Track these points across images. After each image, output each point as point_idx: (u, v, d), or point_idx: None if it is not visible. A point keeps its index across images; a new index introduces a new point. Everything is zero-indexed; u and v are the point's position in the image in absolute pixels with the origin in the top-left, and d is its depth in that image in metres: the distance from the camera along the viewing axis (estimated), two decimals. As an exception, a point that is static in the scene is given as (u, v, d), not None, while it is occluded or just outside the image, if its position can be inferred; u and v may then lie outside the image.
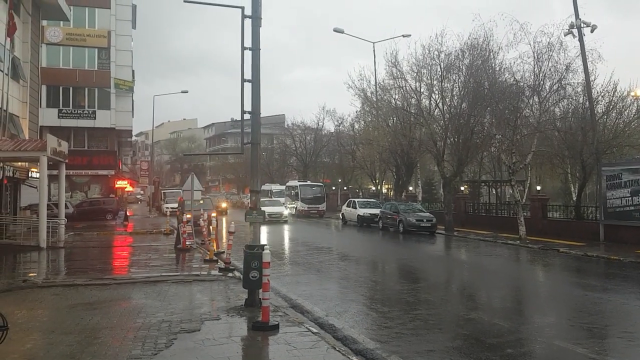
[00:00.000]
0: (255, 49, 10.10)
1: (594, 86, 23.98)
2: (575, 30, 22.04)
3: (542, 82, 23.27)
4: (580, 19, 21.94)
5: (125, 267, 15.88)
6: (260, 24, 10.14)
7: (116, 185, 44.01)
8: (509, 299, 12.19)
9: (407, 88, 30.88)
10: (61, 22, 37.18)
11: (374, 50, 42.41)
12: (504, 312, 10.34)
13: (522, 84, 24.12)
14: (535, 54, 23.01)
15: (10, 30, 21.16)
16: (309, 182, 46.53)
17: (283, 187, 48.04)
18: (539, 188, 40.26)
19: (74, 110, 40.46)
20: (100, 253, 19.29)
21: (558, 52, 22.84)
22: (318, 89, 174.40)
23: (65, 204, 25.29)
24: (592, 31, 22.20)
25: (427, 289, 12.67)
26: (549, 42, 22.75)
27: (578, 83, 24.18)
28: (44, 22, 34.02)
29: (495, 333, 8.45)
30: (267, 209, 31.19)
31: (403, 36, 35.13)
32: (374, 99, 36.49)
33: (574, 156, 25.15)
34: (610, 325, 9.36)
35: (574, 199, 27.86)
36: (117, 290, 11.35)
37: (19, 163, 23.49)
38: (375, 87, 36.33)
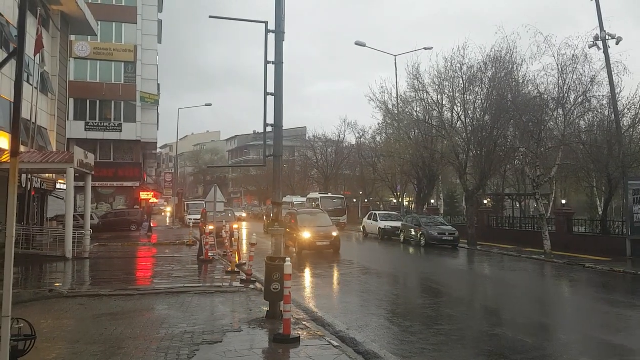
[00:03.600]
0: (279, 63, 10.25)
1: (620, 99, 23.61)
2: (600, 43, 21.80)
3: (566, 95, 22.98)
4: (605, 31, 21.70)
5: (148, 278, 16.04)
6: (284, 38, 10.30)
7: (141, 197, 44.62)
8: (533, 314, 11.97)
9: (429, 100, 30.81)
10: (89, 37, 38.19)
11: (395, 63, 42.17)
12: (529, 328, 10.16)
13: (546, 96, 23.86)
14: (559, 67, 22.76)
15: (37, 46, 21.66)
16: (330, 194, 46.48)
17: (304, 199, 48.13)
18: (564, 202, 39.64)
19: (101, 123, 41.33)
20: (125, 264, 19.56)
21: (583, 65, 22.56)
22: (339, 101, 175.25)
23: (91, 215, 25.71)
24: (617, 43, 21.96)
25: (449, 304, 12.53)
26: (573, 55, 22.48)
27: (603, 96, 23.81)
28: (73, 37, 34.92)
29: (519, 349, 8.32)
30: None
31: (425, 49, 34.96)
32: (396, 112, 36.43)
33: (599, 170, 24.73)
34: (638, 342, 9.13)
35: (600, 213, 27.34)
36: (141, 301, 11.49)
37: (47, 175, 24.04)
38: (397, 100, 36.28)
